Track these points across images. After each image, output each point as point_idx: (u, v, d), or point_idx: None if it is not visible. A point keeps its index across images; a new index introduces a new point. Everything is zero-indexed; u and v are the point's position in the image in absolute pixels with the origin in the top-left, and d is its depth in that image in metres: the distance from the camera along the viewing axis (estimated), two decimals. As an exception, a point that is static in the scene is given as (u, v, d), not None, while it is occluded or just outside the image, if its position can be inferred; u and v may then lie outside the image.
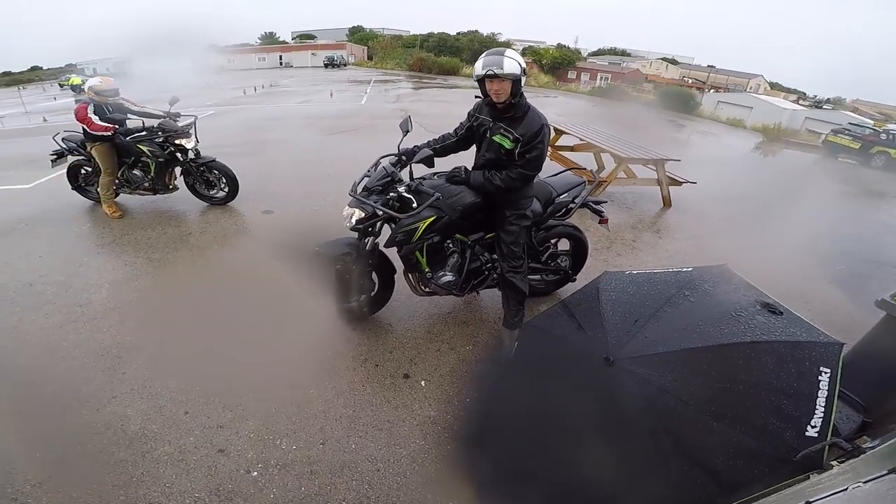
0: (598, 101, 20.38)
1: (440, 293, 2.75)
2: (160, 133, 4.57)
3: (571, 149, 6.50)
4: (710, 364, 1.55)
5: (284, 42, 56.16)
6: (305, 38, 56.87)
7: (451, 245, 2.67)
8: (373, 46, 48.59)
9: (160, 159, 4.58)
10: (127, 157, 4.63)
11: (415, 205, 2.34)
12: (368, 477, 1.98)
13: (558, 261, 3.22)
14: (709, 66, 56.34)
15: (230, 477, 1.96)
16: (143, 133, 4.58)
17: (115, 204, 4.70)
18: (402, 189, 2.36)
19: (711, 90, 39.58)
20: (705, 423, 1.45)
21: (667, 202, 5.63)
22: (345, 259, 2.65)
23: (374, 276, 2.78)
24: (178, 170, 4.78)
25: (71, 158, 4.85)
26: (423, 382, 2.55)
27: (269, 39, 57.37)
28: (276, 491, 1.91)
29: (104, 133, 4.33)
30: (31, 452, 2.04)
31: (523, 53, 48.71)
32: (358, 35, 56.01)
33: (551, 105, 16.73)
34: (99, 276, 3.64)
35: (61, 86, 29.44)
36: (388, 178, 2.42)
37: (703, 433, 1.44)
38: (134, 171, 4.65)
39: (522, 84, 2.18)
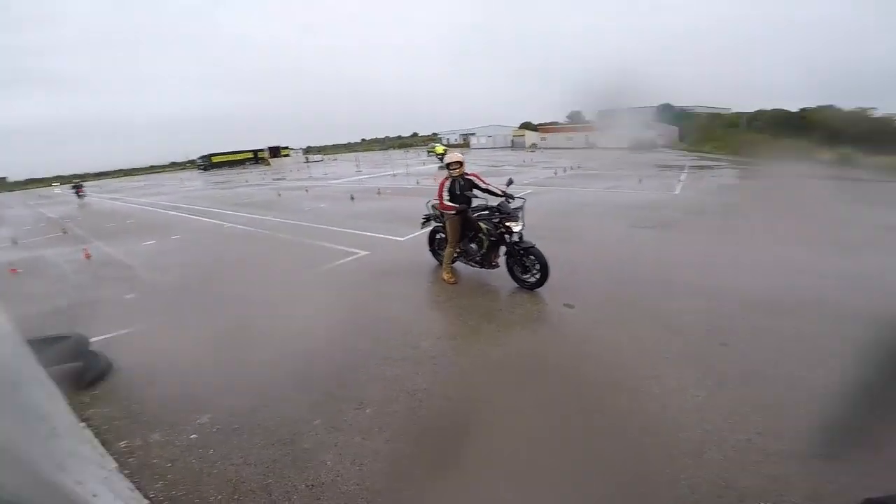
0: None
1: None
2: (497, 213, 5.30)
3: None
4: None
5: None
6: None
7: None
8: (685, 126, 45.43)
9: (492, 238, 5.32)
10: (469, 231, 5.59)
11: None
12: None
13: None
14: None
15: None
16: (486, 212, 5.42)
17: (453, 271, 5.71)
18: None
19: None
20: None
21: None
22: None
23: None
24: (502, 249, 5.42)
25: (433, 224, 6.27)
26: None
27: (576, 118, 61.36)
28: None
29: (449, 211, 5.38)
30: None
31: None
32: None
33: None
34: (429, 327, 4.46)
35: (428, 153, 39.41)
36: None
37: None
38: (471, 245, 5.58)
39: None
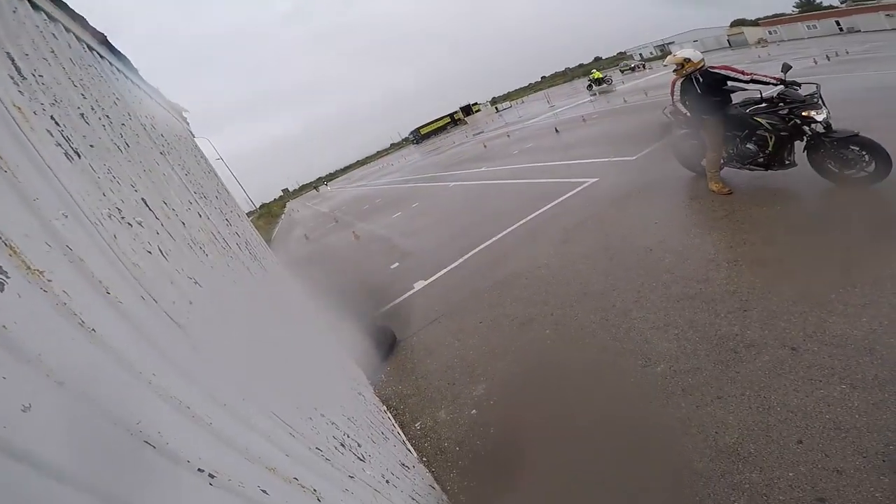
0: None
1: None
2: (782, 104, 4.08)
3: None
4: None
5: (832, 6, 41.13)
6: (862, -3, 38.25)
7: None
8: None
9: (782, 133, 4.13)
10: (739, 130, 4.48)
11: None
12: None
13: None
14: None
15: None
16: (763, 105, 4.23)
17: (722, 180, 4.70)
18: None
19: None
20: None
21: None
22: None
23: None
24: (798, 144, 4.16)
25: (677, 131, 5.28)
26: None
27: (809, 6, 45.33)
28: None
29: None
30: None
31: None
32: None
33: None
34: (716, 252, 3.62)
35: (621, 71, 34.56)
36: None
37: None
38: (747, 146, 4.46)
39: None
